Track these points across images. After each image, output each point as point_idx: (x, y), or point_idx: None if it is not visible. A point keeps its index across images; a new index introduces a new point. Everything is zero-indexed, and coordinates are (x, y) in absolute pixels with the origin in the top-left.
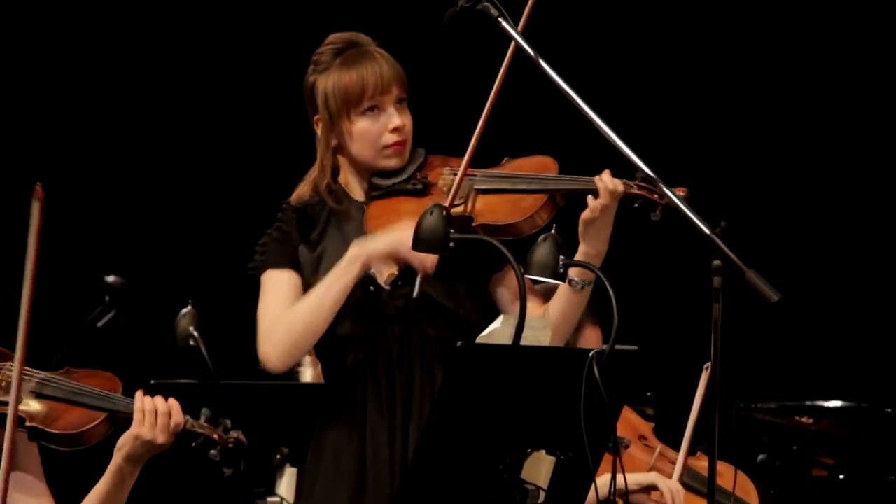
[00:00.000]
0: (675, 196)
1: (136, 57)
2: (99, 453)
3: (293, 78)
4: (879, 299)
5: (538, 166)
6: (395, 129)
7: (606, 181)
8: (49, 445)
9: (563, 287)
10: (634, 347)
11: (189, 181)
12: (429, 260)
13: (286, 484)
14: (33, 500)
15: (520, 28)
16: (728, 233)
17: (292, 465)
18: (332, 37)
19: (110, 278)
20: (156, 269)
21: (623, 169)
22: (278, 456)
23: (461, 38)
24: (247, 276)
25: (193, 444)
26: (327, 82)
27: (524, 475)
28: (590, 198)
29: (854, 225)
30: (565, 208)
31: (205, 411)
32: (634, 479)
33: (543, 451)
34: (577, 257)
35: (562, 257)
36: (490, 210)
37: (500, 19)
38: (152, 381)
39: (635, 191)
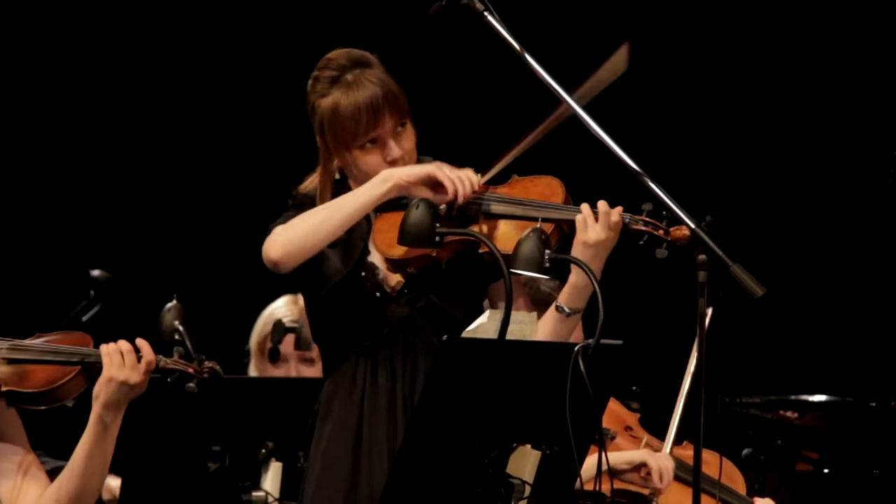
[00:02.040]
0: (658, 189)
1: (124, 54)
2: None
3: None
4: (864, 294)
5: (545, 189)
6: (394, 161)
7: (606, 213)
8: (28, 407)
9: (550, 313)
10: (619, 342)
11: (174, 176)
12: (467, 183)
13: (271, 478)
14: (17, 469)
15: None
16: (713, 227)
17: (277, 460)
18: (332, 54)
19: (95, 272)
20: (141, 264)
21: (631, 202)
22: (263, 450)
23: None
24: (231, 270)
25: (169, 379)
26: (323, 111)
27: (510, 469)
28: (587, 228)
29: (838, 220)
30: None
31: (178, 349)
32: (624, 457)
33: (529, 445)
34: (568, 285)
35: (547, 251)
36: (499, 238)
37: (485, 13)
38: None
39: (640, 227)
